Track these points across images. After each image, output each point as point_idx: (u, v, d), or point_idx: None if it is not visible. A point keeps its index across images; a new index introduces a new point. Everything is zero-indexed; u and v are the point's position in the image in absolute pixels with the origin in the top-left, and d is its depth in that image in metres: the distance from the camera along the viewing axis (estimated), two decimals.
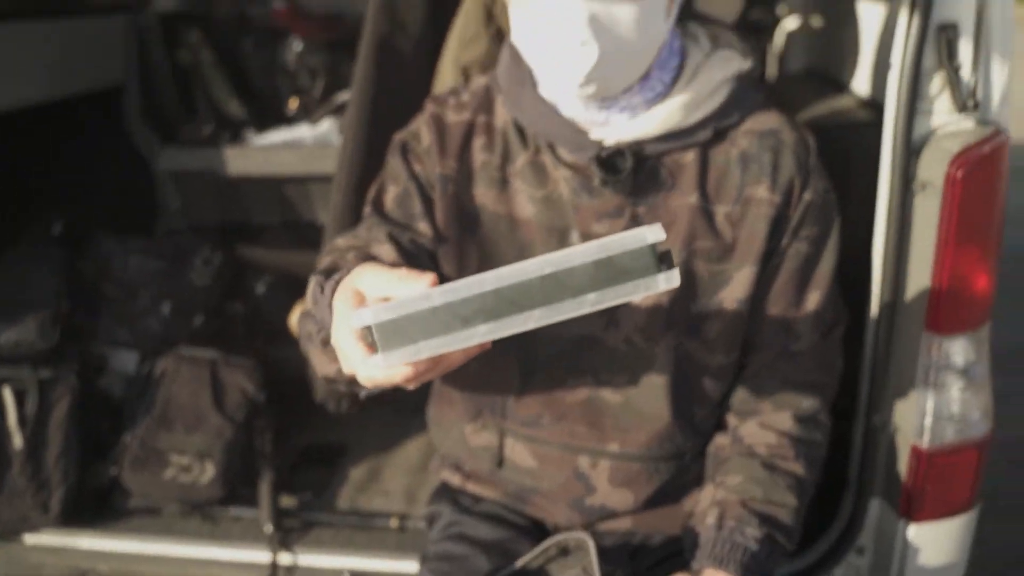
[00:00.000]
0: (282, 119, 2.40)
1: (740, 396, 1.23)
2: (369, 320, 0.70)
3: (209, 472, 1.84)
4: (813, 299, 1.19)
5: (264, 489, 1.83)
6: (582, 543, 1.09)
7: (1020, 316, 3.92)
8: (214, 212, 2.31)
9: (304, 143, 2.24)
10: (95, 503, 1.89)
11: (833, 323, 1.23)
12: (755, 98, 1.19)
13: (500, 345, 0.99)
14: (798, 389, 1.20)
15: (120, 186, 2.36)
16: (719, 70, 1.16)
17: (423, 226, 1.19)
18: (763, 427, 1.19)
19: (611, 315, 1.16)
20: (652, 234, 0.70)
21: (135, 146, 2.30)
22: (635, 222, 1.14)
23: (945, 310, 1.31)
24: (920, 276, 1.32)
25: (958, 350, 1.34)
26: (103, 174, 2.32)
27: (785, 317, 1.19)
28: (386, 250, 1.11)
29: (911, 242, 1.32)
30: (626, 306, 1.15)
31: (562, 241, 1.16)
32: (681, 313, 1.16)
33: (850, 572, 1.57)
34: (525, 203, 1.17)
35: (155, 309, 2.13)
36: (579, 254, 0.70)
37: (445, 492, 1.36)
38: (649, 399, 1.18)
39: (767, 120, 1.18)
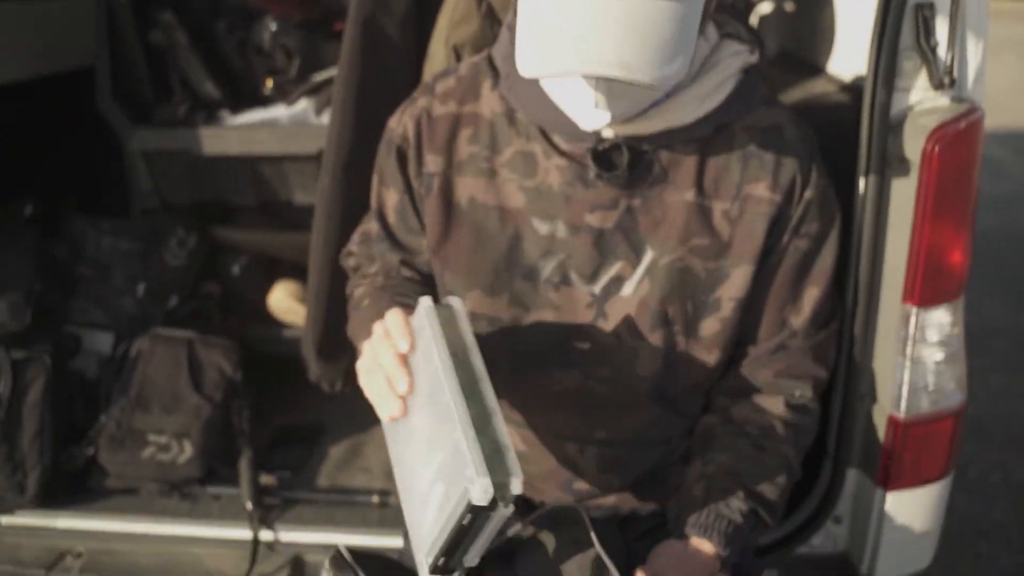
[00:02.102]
0: (257, 100, 2.37)
1: (732, 381, 1.23)
2: None
3: (188, 451, 1.83)
4: (811, 295, 1.19)
5: (243, 467, 1.82)
6: (574, 515, 1.08)
7: (989, 298, 4.03)
8: (188, 192, 2.29)
9: (280, 123, 2.23)
10: (72, 484, 1.87)
11: (829, 317, 1.24)
12: (759, 93, 1.16)
13: (490, 336, 1.10)
14: (791, 379, 1.21)
15: (92, 167, 2.32)
16: (725, 67, 1.12)
17: (424, 242, 1.22)
18: (755, 409, 1.20)
19: (601, 309, 1.15)
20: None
21: (107, 127, 2.27)
22: (630, 215, 1.13)
23: (922, 282, 1.34)
24: (898, 250, 1.35)
25: (934, 321, 1.37)
26: (75, 155, 2.28)
27: (782, 313, 1.19)
28: (401, 273, 1.24)
29: (889, 217, 1.35)
30: (618, 301, 1.15)
31: (552, 231, 1.15)
32: (676, 311, 1.15)
33: (827, 541, 1.60)
34: (514, 192, 1.16)
35: (130, 290, 2.11)
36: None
37: None
38: (638, 392, 1.18)
39: (770, 116, 1.16)
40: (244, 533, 1.73)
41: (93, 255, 2.13)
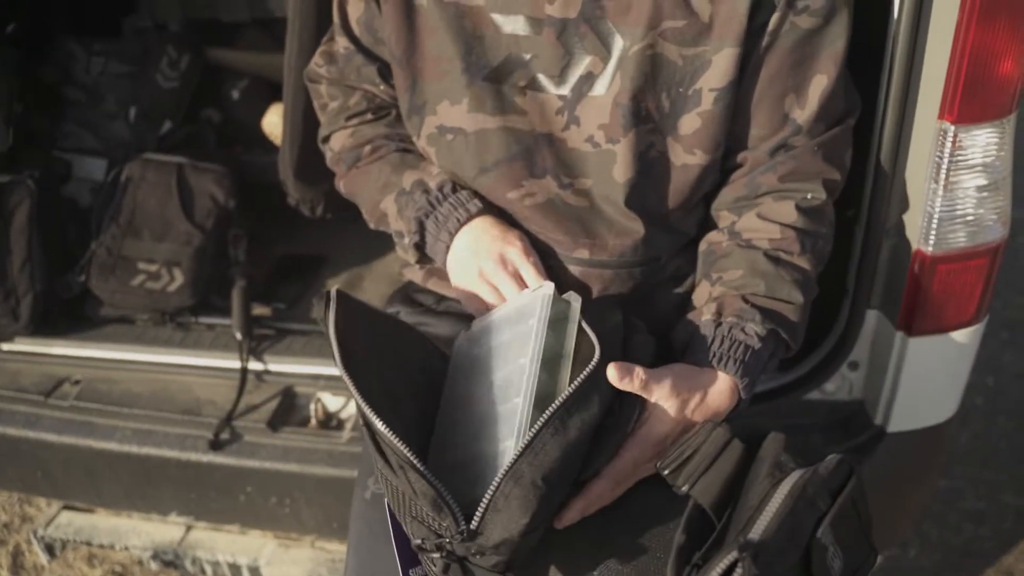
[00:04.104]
0: None
1: (734, 192, 1.10)
2: None
3: (178, 280, 1.78)
4: (818, 85, 1.02)
5: (236, 297, 1.77)
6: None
7: None
8: (179, 8, 2.14)
9: None
10: (68, 312, 1.85)
11: (843, 115, 1.07)
12: None
13: (458, 150, 1.07)
14: (801, 180, 1.06)
15: None
16: None
17: (388, 51, 1.09)
18: (763, 219, 1.06)
19: (572, 113, 1.03)
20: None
21: None
22: (594, 0, 0.99)
23: (963, 96, 1.15)
24: (937, 57, 1.15)
25: (976, 143, 1.19)
26: None
27: (782, 106, 1.03)
28: (382, 89, 1.15)
29: (930, 16, 1.14)
30: (589, 102, 1.02)
31: (514, 29, 1.01)
32: (651, 107, 1.01)
33: (842, 387, 1.49)
34: None
35: (121, 114, 2.01)
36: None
37: (404, 293, 1.29)
38: (615, 204, 1.06)
39: None
40: (235, 363, 1.70)
41: (83, 78, 2.02)
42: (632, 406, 0.93)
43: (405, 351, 1.00)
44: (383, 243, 2.04)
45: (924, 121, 1.19)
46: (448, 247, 1.09)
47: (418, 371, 1.00)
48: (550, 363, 0.89)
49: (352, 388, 0.85)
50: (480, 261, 1.04)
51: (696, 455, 0.86)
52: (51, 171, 1.88)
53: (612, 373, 0.89)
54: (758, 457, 0.87)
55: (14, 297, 1.76)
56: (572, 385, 0.85)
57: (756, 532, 0.76)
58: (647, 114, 1.02)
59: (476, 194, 1.10)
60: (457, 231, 1.08)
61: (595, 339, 0.89)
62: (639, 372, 0.90)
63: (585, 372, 0.86)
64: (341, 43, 1.16)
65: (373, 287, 1.94)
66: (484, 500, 0.81)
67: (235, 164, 1.99)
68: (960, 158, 1.19)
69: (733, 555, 0.73)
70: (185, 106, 2.11)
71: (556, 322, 0.91)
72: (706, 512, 0.84)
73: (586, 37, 1.00)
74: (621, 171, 1.04)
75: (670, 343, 1.07)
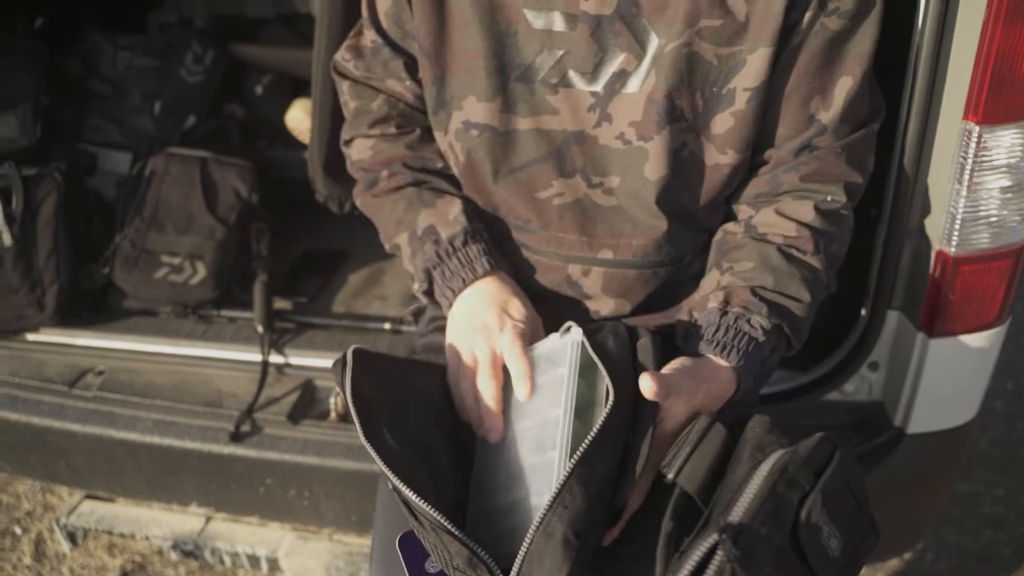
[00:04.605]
0: None
1: (756, 188, 1.10)
2: None
3: (200, 273, 1.80)
4: (844, 86, 1.02)
5: (257, 291, 1.78)
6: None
7: None
8: (201, 3, 2.16)
9: None
10: (92, 303, 1.87)
11: (867, 117, 1.07)
12: None
13: (485, 146, 1.06)
14: (823, 182, 1.07)
15: None
16: None
17: (417, 45, 1.09)
18: (781, 215, 1.06)
19: (603, 111, 1.03)
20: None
21: None
22: None
23: (988, 97, 1.14)
24: (963, 57, 1.15)
25: (1001, 143, 1.18)
26: None
27: (808, 106, 1.03)
28: (407, 86, 1.13)
29: (956, 16, 1.14)
30: (622, 100, 1.02)
31: (548, 24, 1.01)
32: (685, 105, 1.01)
33: (862, 387, 1.49)
34: None
35: (146, 108, 2.03)
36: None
37: None
38: (645, 203, 1.06)
39: None
40: (256, 356, 1.71)
41: (108, 72, 2.04)
42: (646, 423, 0.91)
43: (432, 390, 1.00)
44: None
45: (948, 121, 1.19)
46: (451, 304, 1.07)
47: (447, 407, 1.00)
48: (583, 411, 0.88)
49: (377, 460, 0.85)
50: (474, 342, 1.00)
51: (682, 443, 0.85)
52: (77, 164, 1.90)
53: (648, 387, 0.88)
54: (742, 439, 0.86)
55: (40, 288, 1.78)
56: (591, 433, 0.84)
57: (736, 514, 0.75)
58: (680, 113, 1.02)
59: (487, 249, 1.08)
60: (460, 291, 1.06)
61: (608, 379, 0.88)
62: (665, 383, 0.90)
63: (602, 417, 0.85)
64: (369, 36, 1.15)
65: (394, 283, 1.95)
66: (519, 559, 0.82)
67: (258, 159, 2.01)
68: (984, 159, 1.19)
69: (713, 538, 0.72)
70: (209, 101, 2.12)
71: (585, 368, 0.90)
72: (693, 499, 0.83)
73: (621, 34, 1.00)
74: (653, 169, 1.04)
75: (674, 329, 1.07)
